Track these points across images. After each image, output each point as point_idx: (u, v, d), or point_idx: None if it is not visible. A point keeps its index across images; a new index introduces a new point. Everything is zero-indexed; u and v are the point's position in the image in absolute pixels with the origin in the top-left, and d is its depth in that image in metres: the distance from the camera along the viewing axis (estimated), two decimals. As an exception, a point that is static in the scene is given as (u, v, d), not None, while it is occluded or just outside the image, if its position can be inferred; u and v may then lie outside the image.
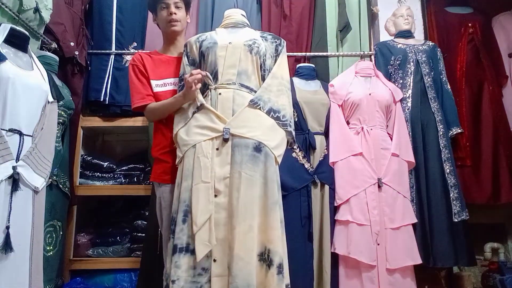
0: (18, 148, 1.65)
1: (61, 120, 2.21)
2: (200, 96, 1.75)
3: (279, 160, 1.74)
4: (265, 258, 1.56)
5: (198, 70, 1.75)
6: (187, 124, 1.74)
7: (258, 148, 1.65)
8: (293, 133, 1.81)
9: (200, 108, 1.73)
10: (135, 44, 2.83)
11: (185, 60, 1.88)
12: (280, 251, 1.57)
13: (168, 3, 1.96)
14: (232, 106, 1.70)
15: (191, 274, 1.52)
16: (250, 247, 1.53)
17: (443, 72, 2.71)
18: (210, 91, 1.76)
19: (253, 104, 1.72)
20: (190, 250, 1.54)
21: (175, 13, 1.95)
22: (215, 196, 1.59)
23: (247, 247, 1.52)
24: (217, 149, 1.65)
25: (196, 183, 1.59)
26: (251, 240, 1.54)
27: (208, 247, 1.51)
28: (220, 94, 1.73)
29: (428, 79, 2.61)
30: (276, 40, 1.92)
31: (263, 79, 1.83)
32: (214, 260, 1.53)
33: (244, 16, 2.02)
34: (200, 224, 1.53)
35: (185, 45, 1.92)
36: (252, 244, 1.53)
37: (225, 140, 1.65)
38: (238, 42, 1.82)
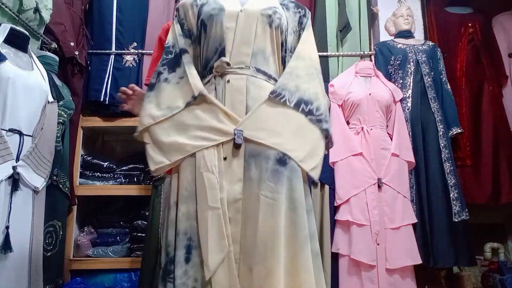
0: (18, 148, 1.66)
1: (61, 120, 2.20)
2: (198, 82, 1.27)
3: (314, 174, 1.26)
4: None
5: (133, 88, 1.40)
6: (176, 118, 1.25)
7: (282, 160, 1.20)
8: (330, 130, 1.31)
9: (200, 99, 1.24)
10: (135, 44, 2.83)
11: (177, 28, 1.38)
12: None
13: None
14: (246, 99, 1.25)
15: None
16: None
17: (443, 72, 2.71)
18: (215, 77, 1.29)
19: (275, 96, 1.25)
20: None
21: None
22: None
23: None
24: (224, 158, 1.20)
25: (202, 210, 1.16)
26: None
27: None
28: (228, 81, 1.27)
29: (428, 79, 2.61)
30: (300, 9, 1.43)
31: (284, 61, 1.37)
32: None
33: None
34: (214, 266, 1.12)
35: (177, 9, 1.43)
36: None
37: (237, 147, 1.20)
38: (253, 9, 1.32)
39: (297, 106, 1.26)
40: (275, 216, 1.15)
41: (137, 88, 1.42)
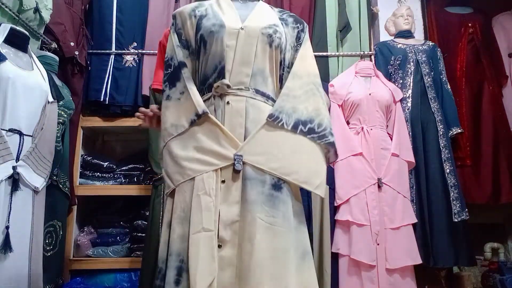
0: (18, 148, 1.66)
1: (61, 120, 2.20)
2: (200, 100, 1.27)
3: (320, 192, 1.28)
4: None
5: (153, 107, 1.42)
6: (182, 139, 1.27)
7: (278, 186, 1.22)
8: (335, 143, 1.32)
9: (202, 118, 1.24)
10: (135, 44, 2.83)
11: (175, 38, 1.37)
12: None
13: None
14: (245, 122, 1.25)
15: None
16: None
17: (443, 72, 2.71)
18: (214, 98, 1.28)
19: (273, 120, 1.25)
20: None
21: None
22: (219, 246, 1.16)
23: None
24: (222, 181, 1.21)
25: (195, 231, 1.15)
26: None
27: None
28: (228, 103, 1.26)
29: (428, 79, 2.61)
30: (298, 24, 1.43)
31: (281, 80, 1.38)
32: None
33: None
34: None
35: (174, 17, 1.41)
36: None
37: (236, 172, 1.20)
38: (253, 27, 1.31)
39: (294, 128, 1.27)
40: (272, 239, 1.16)
41: (155, 109, 1.43)
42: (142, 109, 1.44)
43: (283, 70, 1.38)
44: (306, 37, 1.43)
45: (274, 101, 1.33)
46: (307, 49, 1.42)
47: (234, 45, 1.29)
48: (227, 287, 1.14)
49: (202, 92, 1.32)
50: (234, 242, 1.17)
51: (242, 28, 1.31)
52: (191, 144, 1.24)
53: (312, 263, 1.23)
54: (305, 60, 1.40)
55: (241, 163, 1.20)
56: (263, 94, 1.31)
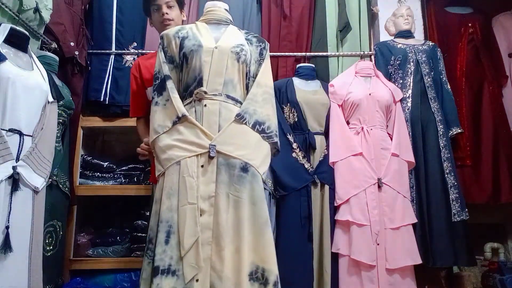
0: (18, 148, 1.66)
1: (61, 120, 2.21)
2: (181, 106, 1.64)
3: (264, 176, 1.71)
4: (258, 277, 1.53)
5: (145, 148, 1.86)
6: (167, 134, 1.63)
7: (245, 168, 1.60)
8: (278, 143, 1.75)
9: (182, 119, 1.62)
10: (135, 44, 2.83)
11: (161, 56, 1.74)
12: (275, 269, 1.55)
13: (159, 4, 2.00)
14: (219, 120, 1.63)
15: None
16: (238, 268, 1.51)
17: (443, 72, 2.71)
18: (194, 101, 1.66)
19: (239, 118, 1.64)
20: (171, 271, 1.49)
21: (167, 13, 1.99)
22: (200, 215, 1.54)
23: (235, 268, 1.51)
24: (201, 166, 1.58)
25: (182, 205, 1.53)
26: (239, 261, 1.51)
27: (195, 270, 1.49)
28: (205, 106, 1.64)
29: (428, 79, 2.61)
30: (260, 43, 1.83)
31: (247, 87, 1.76)
32: (197, 280, 1.49)
33: (227, 11, 1.88)
34: (188, 247, 1.49)
35: (162, 37, 1.78)
36: (239, 265, 1.51)
37: (211, 158, 1.58)
38: (224, 47, 1.70)
39: (253, 126, 1.66)
40: (241, 209, 1.55)
41: (148, 147, 1.82)
42: (144, 146, 1.88)
43: (248, 80, 1.76)
44: (267, 54, 1.84)
45: (241, 103, 1.70)
46: (267, 64, 1.82)
47: (210, 60, 1.68)
48: (206, 244, 1.52)
49: (184, 98, 1.69)
50: (211, 212, 1.54)
51: (216, 47, 1.70)
52: (175, 137, 1.61)
53: (269, 230, 1.57)
54: (266, 74, 1.80)
55: (215, 151, 1.58)
56: (233, 99, 1.69)
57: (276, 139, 1.72)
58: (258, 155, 1.66)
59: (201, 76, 1.67)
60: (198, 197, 1.54)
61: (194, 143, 1.59)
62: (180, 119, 1.62)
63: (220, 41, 1.73)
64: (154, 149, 1.67)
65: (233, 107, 1.67)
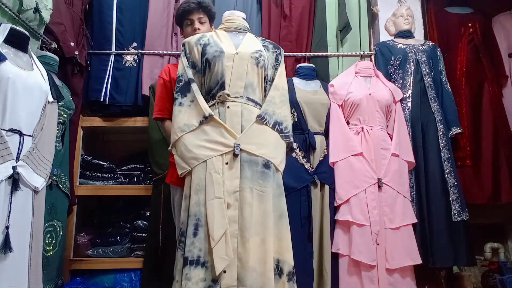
0: (18, 148, 1.65)
1: (61, 120, 2.20)
2: (207, 106, 1.75)
3: (282, 170, 1.83)
4: (274, 267, 1.62)
5: None
6: (194, 134, 1.73)
7: (267, 165, 1.72)
8: (293, 142, 1.88)
9: (209, 119, 1.73)
10: (135, 44, 2.83)
11: (184, 61, 1.87)
12: (290, 260, 1.65)
13: (193, 19, 2.09)
14: (241, 121, 1.74)
15: (201, 286, 1.56)
16: (263, 259, 1.59)
17: (443, 72, 2.71)
18: (218, 103, 1.78)
19: (261, 119, 1.77)
20: (200, 263, 1.57)
21: (199, 29, 2.07)
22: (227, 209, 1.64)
23: (260, 259, 1.59)
24: (226, 163, 1.69)
25: (210, 199, 1.63)
26: (265, 253, 1.60)
27: (226, 261, 1.56)
28: (228, 107, 1.76)
29: (428, 79, 2.61)
30: (276, 49, 1.96)
31: (264, 90, 1.88)
32: (224, 271, 1.56)
33: (245, 19, 2.02)
34: (217, 238, 1.57)
35: (183, 45, 1.91)
36: (265, 257, 1.59)
37: (235, 155, 1.69)
38: (244, 52, 1.83)
39: (273, 126, 1.79)
40: (265, 203, 1.67)
41: None
42: None
43: (266, 83, 1.89)
44: (282, 59, 1.97)
45: (260, 105, 1.83)
46: (282, 69, 1.95)
47: (231, 65, 1.80)
48: (232, 237, 1.61)
49: (207, 100, 1.80)
50: (236, 206, 1.65)
51: (236, 53, 1.82)
52: (202, 137, 1.72)
53: (286, 221, 1.72)
54: (282, 78, 1.93)
55: (239, 149, 1.70)
56: (252, 101, 1.81)
57: (292, 139, 1.86)
58: (278, 153, 1.79)
59: (224, 80, 1.78)
60: (224, 192, 1.64)
61: (219, 142, 1.71)
62: (207, 119, 1.73)
63: (240, 47, 1.85)
64: (177, 147, 1.75)
65: (253, 108, 1.80)
